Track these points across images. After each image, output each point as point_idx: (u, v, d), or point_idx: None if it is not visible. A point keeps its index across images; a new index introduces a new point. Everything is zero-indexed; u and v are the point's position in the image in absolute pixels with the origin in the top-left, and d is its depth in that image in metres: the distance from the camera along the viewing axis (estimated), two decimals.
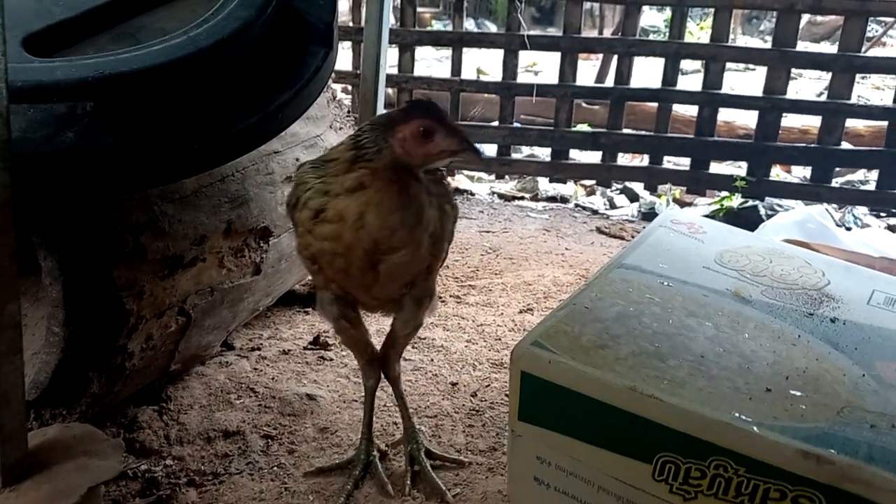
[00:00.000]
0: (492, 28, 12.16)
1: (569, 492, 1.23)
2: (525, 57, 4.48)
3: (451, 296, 2.48)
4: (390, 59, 4.37)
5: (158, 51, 1.32)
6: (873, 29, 7.96)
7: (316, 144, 2.08)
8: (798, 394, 1.12)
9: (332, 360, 1.95)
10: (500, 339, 2.14)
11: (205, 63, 1.35)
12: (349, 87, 4.55)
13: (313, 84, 1.55)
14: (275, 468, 1.51)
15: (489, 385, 1.87)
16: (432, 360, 1.99)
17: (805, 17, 10.15)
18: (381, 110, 2.60)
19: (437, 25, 10.81)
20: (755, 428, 1.03)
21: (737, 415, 1.06)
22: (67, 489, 1.19)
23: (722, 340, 1.25)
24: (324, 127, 2.15)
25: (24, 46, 1.28)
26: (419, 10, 4.17)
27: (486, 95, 4.79)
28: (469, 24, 12.42)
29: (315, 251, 1.28)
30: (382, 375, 1.53)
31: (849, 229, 3.65)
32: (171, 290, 1.49)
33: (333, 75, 2.42)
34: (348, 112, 2.38)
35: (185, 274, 1.53)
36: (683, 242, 1.59)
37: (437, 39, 4.57)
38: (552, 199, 4.18)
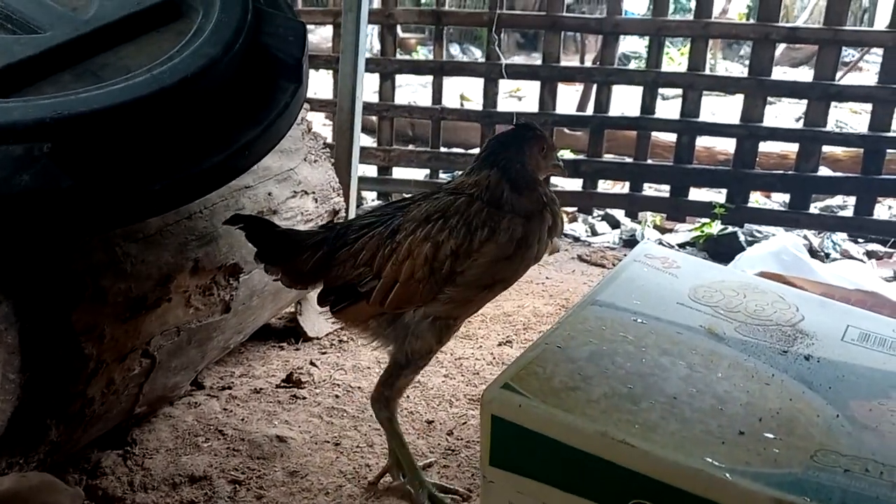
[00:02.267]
0: (477, 53, 12.24)
1: None
2: (508, 83, 4.50)
3: None
4: (372, 86, 4.39)
5: (120, 89, 1.29)
6: (850, 54, 8.08)
7: (289, 178, 2.05)
8: (771, 436, 1.10)
9: (304, 398, 1.91)
10: (478, 374, 2.11)
11: (168, 101, 1.33)
12: (331, 115, 4.54)
13: (282, 119, 1.53)
14: None
15: (465, 423, 1.84)
16: (408, 396, 1.96)
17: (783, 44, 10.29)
18: (357, 142, 2.59)
19: (422, 50, 10.85)
20: (728, 475, 1.01)
21: (709, 460, 1.04)
22: None
23: (695, 380, 1.23)
24: (297, 160, 2.13)
25: None
26: (404, 35, 4.19)
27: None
28: (454, 50, 12.50)
29: (496, 278, 1.43)
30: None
31: (827, 255, 3.66)
32: (134, 332, 1.46)
33: (308, 107, 2.40)
34: (324, 144, 2.36)
35: (149, 315, 1.49)
36: (657, 278, 1.58)
37: (417, 68, 4.58)
38: None
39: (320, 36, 7.89)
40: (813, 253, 3.62)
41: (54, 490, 1.31)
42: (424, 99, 4.62)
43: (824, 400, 1.21)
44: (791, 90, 3.87)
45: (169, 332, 1.57)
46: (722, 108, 7.21)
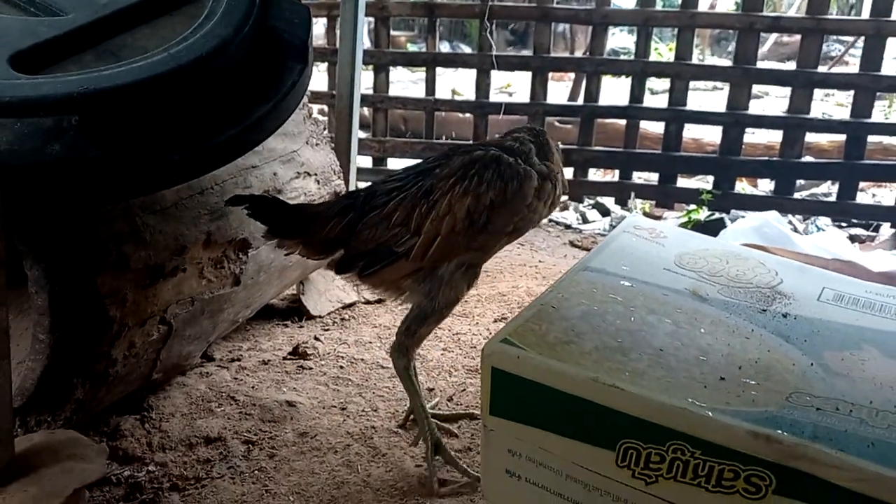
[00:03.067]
0: (467, 50, 12.30)
1: (539, 482, 1.29)
2: (499, 78, 4.59)
3: None
4: (366, 80, 4.46)
5: (140, 67, 1.38)
6: (836, 48, 8.21)
7: (293, 159, 2.14)
8: (750, 381, 1.19)
9: (311, 369, 2.00)
10: (475, 347, 2.20)
11: (185, 78, 1.41)
12: (325, 108, 4.63)
13: (290, 97, 1.61)
14: (256, 472, 1.56)
15: (465, 390, 1.93)
16: None
17: (771, 39, 10.37)
18: (356, 128, 2.68)
19: (412, 48, 10.93)
20: (709, 412, 1.10)
21: (692, 401, 1.13)
22: (54, 491, 1.23)
23: (680, 335, 1.32)
24: (300, 143, 2.21)
25: (11, 64, 1.33)
26: (394, 33, 4.27)
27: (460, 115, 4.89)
28: (445, 47, 12.57)
29: (517, 225, 1.59)
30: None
31: None
32: (153, 298, 1.54)
33: (310, 95, 2.49)
34: (324, 129, 2.44)
35: (167, 283, 1.58)
36: (645, 246, 1.67)
37: (411, 60, 4.67)
38: None
39: (314, 32, 7.94)
40: None
41: (80, 444, 1.38)
42: (416, 93, 4.70)
43: (800, 351, 1.30)
44: (775, 78, 3.98)
45: (184, 301, 1.66)
46: (709, 103, 7.31)
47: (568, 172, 4.19)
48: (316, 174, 2.24)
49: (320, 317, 2.40)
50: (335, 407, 1.80)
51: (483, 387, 1.31)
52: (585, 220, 4.15)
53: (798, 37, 3.78)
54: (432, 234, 1.52)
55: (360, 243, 1.57)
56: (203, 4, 1.58)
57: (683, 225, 3.85)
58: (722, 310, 1.42)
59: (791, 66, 3.90)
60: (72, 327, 1.38)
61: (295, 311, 2.42)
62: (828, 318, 1.43)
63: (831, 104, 7.52)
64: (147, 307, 1.53)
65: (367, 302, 2.54)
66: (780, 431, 1.06)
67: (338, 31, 3.08)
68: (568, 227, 4.03)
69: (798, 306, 1.46)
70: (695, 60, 3.98)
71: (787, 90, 3.83)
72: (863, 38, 3.68)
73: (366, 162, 4.35)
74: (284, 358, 2.06)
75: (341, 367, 2.02)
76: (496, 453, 1.32)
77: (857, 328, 1.41)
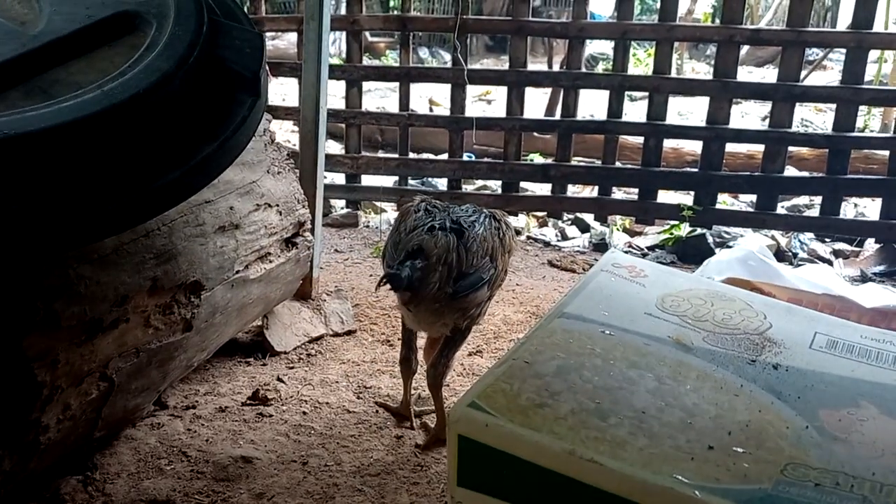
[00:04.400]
0: (446, 56, 12.23)
1: None
2: (478, 86, 4.49)
3: (399, 339, 2.42)
4: (338, 93, 4.34)
5: (70, 107, 1.25)
6: (814, 53, 8.19)
7: (252, 191, 2.01)
8: (741, 450, 1.09)
9: (271, 416, 1.87)
10: (448, 386, 2.07)
11: (120, 118, 1.29)
12: (298, 123, 4.49)
13: (240, 134, 1.49)
14: None
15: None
16: (377, 411, 1.93)
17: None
18: (321, 153, 2.56)
19: (391, 54, 10.81)
20: (697, 492, 0.99)
21: (679, 478, 1.02)
22: None
23: (664, 393, 1.22)
24: (260, 172, 2.09)
25: None
26: (373, 39, 4.16)
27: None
28: (423, 53, 12.48)
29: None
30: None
31: (795, 255, 3.69)
32: (91, 355, 1.41)
33: (269, 117, 2.36)
34: (288, 155, 2.32)
35: (106, 337, 1.45)
36: (625, 287, 1.57)
37: (383, 74, 4.54)
38: None
39: (288, 41, 7.82)
40: (780, 253, 3.65)
41: None
42: (393, 103, 4.59)
43: (793, 410, 1.20)
44: (756, 92, 3.91)
45: (128, 353, 1.53)
46: (689, 108, 7.28)
47: (546, 188, 4.10)
48: (278, 205, 2.12)
49: (285, 352, 2.27)
50: (295, 461, 1.67)
51: (449, 455, 1.19)
52: (565, 237, 4.06)
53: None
54: (502, 268, 1.75)
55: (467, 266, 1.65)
56: (145, 34, 1.46)
57: (665, 241, 3.77)
58: (708, 361, 1.32)
59: (769, 70, 3.82)
60: None
61: (258, 346, 2.29)
62: (821, 369, 1.33)
63: (809, 109, 7.48)
64: (83, 365, 1.40)
65: (336, 335, 2.42)
66: None
67: None
68: (547, 244, 3.93)
69: (789, 355, 1.36)
70: (674, 71, 3.88)
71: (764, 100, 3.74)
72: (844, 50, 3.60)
73: (339, 178, 4.22)
74: (243, 403, 1.93)
75: (304, 412, 1.90)
76: None
77: (853, 381, 1.31)
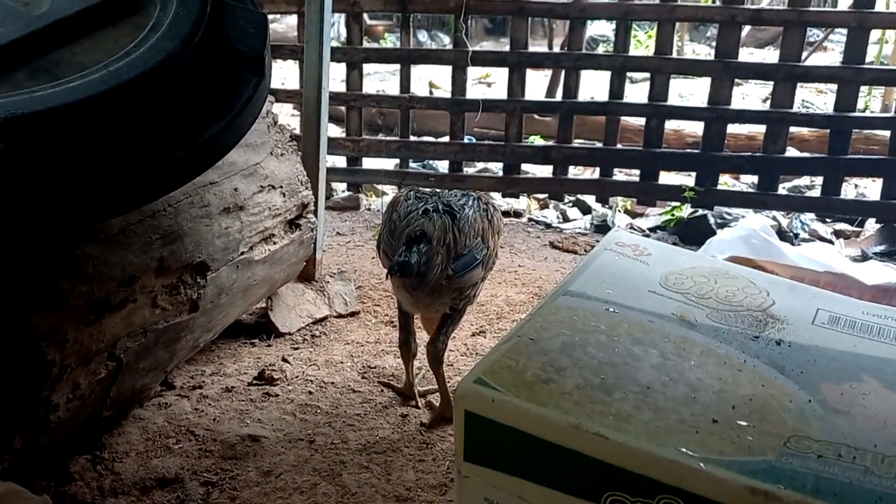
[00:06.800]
0: (445, 39, 12.15)
1: None
2: (478, 69, 4.48)
3: None
4: (339, 75, 4.33)
5: (76, 87, 1.26)
6: (815, 34, 8.15)
7: (255, 172, 2.02)
8: (744, 424, 1.10)
9: (277, 395, 1.89)
10: (451, 366, 2.10)
11: (127, 98, 1.29)
12: (299, 106, 4.49)
13: (245, 113, 1.49)
14: None
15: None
16: (382, 391, 1.95)
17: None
18: (324, 134, 2.56)
19: (390, 37, 10.76)
20: (701, 464, 1.01)
21: (683, 450, 1.03)
22: None
23: (668, 369, 1.23)
24: (264, 154, 2.09)
25: None
26: (372, 22, 4.13)
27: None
28: (423, 37, 12.40)
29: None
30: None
31: (796, 235, 3.70)
32: (99, 335, 1.42)
33: (272, 99, 2.36)
34: (291, 137, 2.32)
35: (114, 317, 1.46)
36: (629, 265, 1.57)
37: (384, 57, 4.53)
38: (506, 213, 4.16)
39: (287, 24, 7.79)
40: (782, 233, 3.66)
41: (20, 499, 1.27)
42: (393, 86, 4.58)
43: (796, 385, 1.21)
44: (757, 72, 3.90)
45: (135, 333, 1.54)
46: (690, 90, 7.25)
47: (547, 170, 4.10)
48: (281, 186, 2.12)
49: (289, 333, 2.29)
50: (302, 440, 1.69)
51: (456, 430, 1.21)
52: (566, 219, 4.06)
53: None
54: (494, 248, 1.78)
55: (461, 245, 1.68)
56: (149, 14, 1.46)
57: (667, 222, 3.77)
58: (712, 337, 1.33)
59: (769, 51, 3.81)
60: (6, 373, 1.26)
61: (263, 328, 2.31)
62: (823, 344, 1.34)
63: (810, 90, 7.46)
64: (92, 344, 1.41)
65: (339, 316, 2.44)
66: (780, 486, 0.96)
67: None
68: (548, 226, 3.94)
69: (792, 332, 1.37)
70: (675, 53, 3.87)
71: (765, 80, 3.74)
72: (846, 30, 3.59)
73: (340, 161, 4.22)
74: (249, 384, 1.95)
75: (310, 392, 1.91)
76: (471, 501, 1.22)
77: (855, 356, 1.32)
